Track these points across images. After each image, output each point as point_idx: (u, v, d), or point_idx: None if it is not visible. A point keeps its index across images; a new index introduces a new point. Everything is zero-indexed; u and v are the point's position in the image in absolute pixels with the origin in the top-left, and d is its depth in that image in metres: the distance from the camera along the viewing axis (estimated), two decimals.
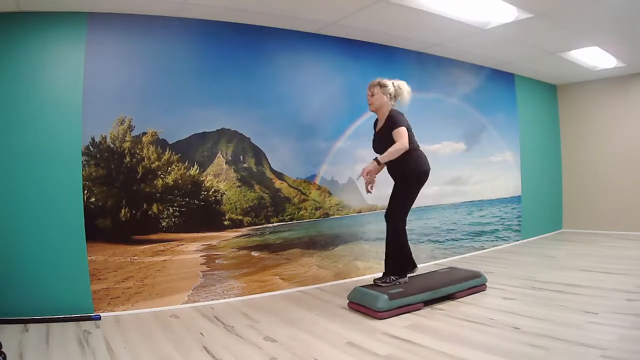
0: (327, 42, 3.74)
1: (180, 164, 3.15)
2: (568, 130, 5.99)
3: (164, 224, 3.09)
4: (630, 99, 5.36)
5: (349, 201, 3.91)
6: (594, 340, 2.07)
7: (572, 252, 4.48)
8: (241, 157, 3.42)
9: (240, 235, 3.37)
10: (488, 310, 2.66)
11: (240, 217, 3.38)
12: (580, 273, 3.52)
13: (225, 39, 3.29)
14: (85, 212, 2.82)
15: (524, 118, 5.40)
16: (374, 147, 3.05)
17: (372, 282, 2.94)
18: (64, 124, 2.79)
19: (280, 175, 3.57)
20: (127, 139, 2.97)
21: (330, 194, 3.81)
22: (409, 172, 2.89)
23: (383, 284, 2.85)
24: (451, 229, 4.58)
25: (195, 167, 3.21)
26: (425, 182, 2.96)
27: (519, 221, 5.28)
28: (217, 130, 3.27)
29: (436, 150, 4.45)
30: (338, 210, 3.85)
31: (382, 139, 2.91)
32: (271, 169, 3.54)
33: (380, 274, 2.98)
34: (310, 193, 3.71)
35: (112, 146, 2.92)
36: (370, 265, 3.87)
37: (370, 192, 2.95)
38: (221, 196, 3.31)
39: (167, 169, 3.11)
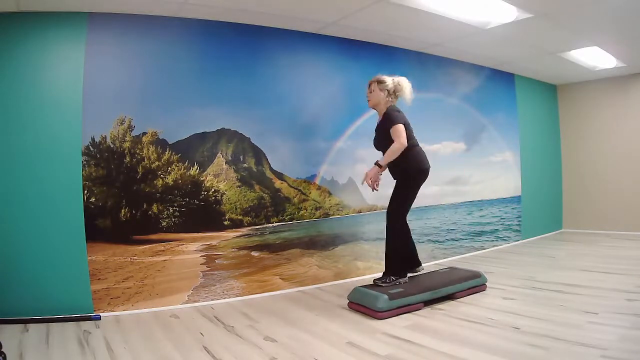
0: (327, 42, 3.74)
1: (180, 164, 3.15)
2: (568, 130, 5.99)
3: (164, 224, 3.09)
4: (630, 99, 5.36)
5: (349, 201, 3.91)
6: (594, 340, 2.07)
7: (572, 252, 4.48)
8: (241, 157, 3.42)
9: (240, 235, 3.37)
10: (488, 310, 2.66)
11: (240, 217, 3.38)
12: (580, 273, 3.52)
13: (225, 39, 3.29)
14: (85, 212, 2.82)
15: (524, 118, 5.40)
16: (374, 143, 3.06)
17: (372, 282, 2.93)
18: (64, 124, 2.79)
19: (280, 175, 3.57)
20: (127, 139, 2.97)
21: (330, 194, 3.81)
22: (409, 170, 2.87)
23: (383, 284, 2.85)
24: (451, 229, 4.58)
25: (195, 167, 3.21)
26: (425, 180, 2.93)
27: (519, 221, 5.28)
28: (217, 130, 3.27)
29: (436, 150, 4.45)
30: (338, 210, 3.85)
31: (381, 136, 2.91)
32: (271, 169, 3.54)
33: (380, 274, 2.98)
34: (310, 193, 3.71)
35: (112, 146, 2.92)
36: (370, 265, 3.87)
37: (377, 190, 2.92)
38: (221, 196, 3.31)
39: (167, 169, 3.11)
